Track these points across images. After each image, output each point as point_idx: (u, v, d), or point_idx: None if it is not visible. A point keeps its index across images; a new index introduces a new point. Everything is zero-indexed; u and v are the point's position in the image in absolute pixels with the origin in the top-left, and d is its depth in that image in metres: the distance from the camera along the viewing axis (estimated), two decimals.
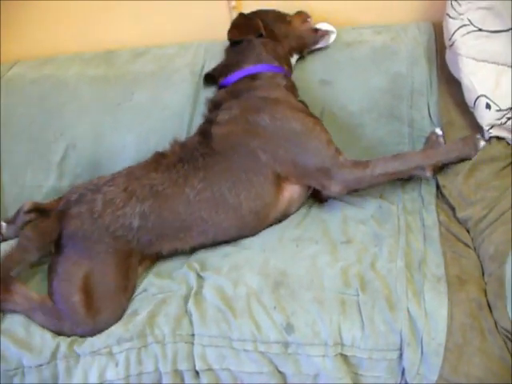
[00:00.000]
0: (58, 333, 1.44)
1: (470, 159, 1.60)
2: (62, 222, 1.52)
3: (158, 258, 1.61)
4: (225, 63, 1.82)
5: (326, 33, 1.83)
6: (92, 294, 1.47)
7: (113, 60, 1.99)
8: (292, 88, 1.75)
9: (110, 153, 1.84)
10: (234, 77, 1.75)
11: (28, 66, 2.01)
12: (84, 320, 1.44)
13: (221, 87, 1.78)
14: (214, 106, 1.72)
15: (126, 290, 1.51)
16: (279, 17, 1.84)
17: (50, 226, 1.52)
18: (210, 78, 1.85)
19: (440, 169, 1.65)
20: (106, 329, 1.44)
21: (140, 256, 1.56)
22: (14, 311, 1.46)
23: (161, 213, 1.55)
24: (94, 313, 1.45)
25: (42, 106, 1.89)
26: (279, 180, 1.62)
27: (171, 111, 1.86)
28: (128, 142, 1.84)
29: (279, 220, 1.67)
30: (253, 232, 1.63)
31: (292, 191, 1.65)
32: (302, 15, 1.87)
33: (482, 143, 1.62)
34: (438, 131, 1.73)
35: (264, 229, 1.65)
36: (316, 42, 1.84)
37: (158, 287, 1.52)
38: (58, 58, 2.02)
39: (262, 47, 1.76)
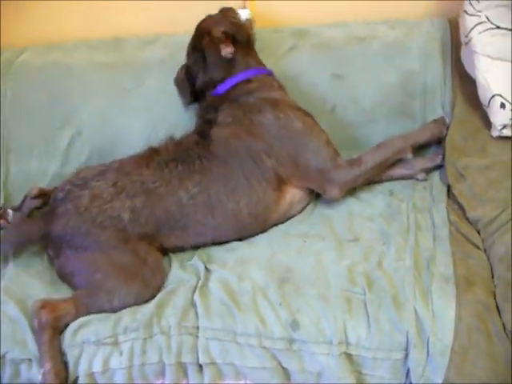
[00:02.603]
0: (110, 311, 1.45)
1: (442, 136, 1.70)
2: (49, 223, 1.53)
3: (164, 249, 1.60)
4: (207, 76, 1.74)
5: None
6: (110, 270, 1.48)
7: (121, 47, 1.97)
8: (282, 87, 1.74)
9: (116, 140, 1.82)
10: (225, 85, 1.71)
11: (35, 52, 1.99)
12: (116, 290, 1.45)
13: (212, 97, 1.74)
14: (212, 107, 1.69)
15: (145, 263, 1.50)
16: (231, 18, 1.79)
17: (31, 228, 1.56)
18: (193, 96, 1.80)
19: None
20: (144, 300, 1.45)
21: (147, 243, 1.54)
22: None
23: (153, 210, 1.54)
24: (123, 283, 1.46)
25: (48, 93, 1.88)
26: (281, 183, 1.61)
27: (179, 101, 1.84)
28: (135, 129, 1.82)
29: (281, 222, 1.66)
30: (253, 234, 1.62)
31: (293, 195, 1.64)
32: (231, 10, 1.82)
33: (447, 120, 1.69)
34: None
35: (265, 231, 1.63)
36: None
37: (170, 276, 1.52)
38: (66, 44, 2.00)
39: (244, 53, 1.73)
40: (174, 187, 1.55)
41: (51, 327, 1.40)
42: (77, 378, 1.39)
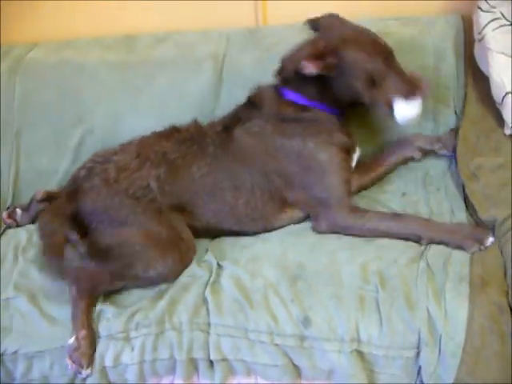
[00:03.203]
0: (136, 284, 1.47)
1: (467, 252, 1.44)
2: (77, 201, 1.53)
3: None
4: (305, 82, 1.59)
5: None
6: (147, 239, 1.48)
7: (133, 45, 1.96)
8: (341, 128, 1.63)
9: (127, 139, 1.81)
10: (296, 97, 1.61)
11: (47, 49, 1.99)
12: (152, 260, 1.46)
13: (281, 92, 1.64)
14: (254, 104, 1.65)
15: (178, 235, 1.51)
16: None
17: (62, 206, 1.54)
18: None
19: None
20: (177, 272, 1.47)
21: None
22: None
23: (174, 180, 1.56)
24: (159, 253, 1.47)
25: (60, 91, 1.88)
26: (283, 203, 1.61)
27: (191, 100, 1.84)
28: (146, 128, 1.80)
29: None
30: (255, 231, 1.62)
31: (292, 214, 1.63)
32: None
33: (491, 240, 1.44)
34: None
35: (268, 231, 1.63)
36: None
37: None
38: (78, 42, 2.00)
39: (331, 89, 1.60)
40: (189, 161, 1.58)
41: (88, 295, 1.43)
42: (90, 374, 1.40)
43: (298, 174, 1.58)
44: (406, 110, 1.53)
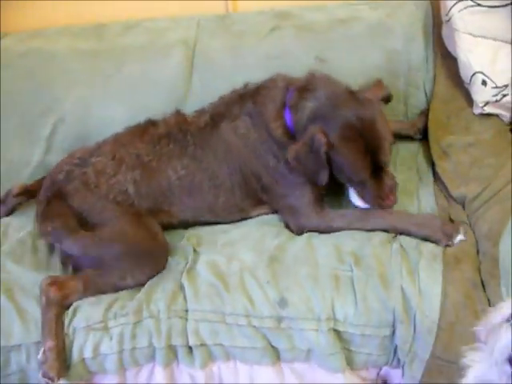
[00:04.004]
0: (113, 292, 1.45)
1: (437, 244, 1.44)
2: (66, 201, 1.52)
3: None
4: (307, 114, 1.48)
5: None
6: (125, 246, 1.47)
7: (103, 33, 1.94)
8: None
9: (99, 127, 1.79)
10: (290, 124, 1.51)
11: (16, 39, 1.95)
12: (130, 268, 1.45)
13: (284, 106, 1.53)
14: (252, 98, 1.56)
15: (156, 241, 1.50)
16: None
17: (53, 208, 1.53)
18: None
19: None
20: (154, 276, 1.46)
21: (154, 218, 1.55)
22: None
23: (149, 183, 1.55)
24: (137, 260, 1.46)
25: (30, 80, 1.85)
26: (260, 201, 1.61)
27: (162, 86, 1.82)
28: (118, 116, 1.80)
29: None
30: (229, 222, 1.63)
31: (270, 209, 1.63)
32: None
33: (459, 238, 1.43)
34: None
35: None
36: None
37: None
38: (47, 31, 1.97)
39: None
40: (163, 163, 1.56)
41: (58, 305, 1.40)
42: (68, 365, 1.38)
43: (272, 183, 1.57)
44: (361, 204, 1.51)
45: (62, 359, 1.37)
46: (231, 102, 1.60)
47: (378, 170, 1.45)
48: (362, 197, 1.49)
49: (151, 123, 1.62)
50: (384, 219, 1.49)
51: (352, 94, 1.46)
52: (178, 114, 1.63)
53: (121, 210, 1.51)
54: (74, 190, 1.53)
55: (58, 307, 1.40)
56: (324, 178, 1.46)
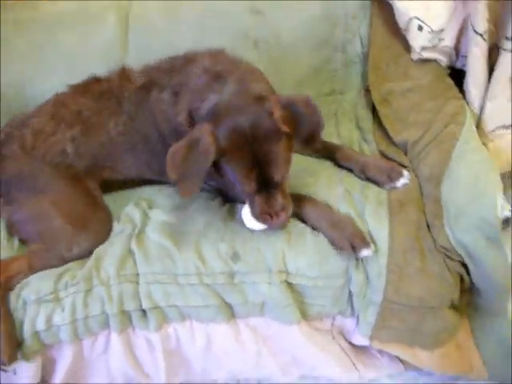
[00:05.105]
0: (61, 264, 1.42)
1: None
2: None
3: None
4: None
5: None
6: (67, 215, 1.44)
7: (34, 3, 1.85)
8: None
9: (36, 99, 1.71)
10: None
11: None
12: (74, 237, 1.42)
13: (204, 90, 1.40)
14: (179, 71, 1.49)
15: (97, 205, 1.48)
16: None
17: None
18: None
19: None
20: (100, 243, 1.44)
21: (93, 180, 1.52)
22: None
23: (89, 139, 1.51)
24: (81, 228, 1.43)
25: None
26: None
27: (99, 52, 1.77)
28: (57, 87, 1.71)
29: None
30: None
31: None
32: None
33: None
34: None
35: None
36: None
37: None
38: None
39: None
40: (105, 118, 1.52)
41: (2, 288, 1.37)
42: (23, 340, 1.36)
43: None
44: (248, 222, 1.40)
45: (13, 343, 1.34)
46: (163, 70, 1.52)
47: (270, 185, 1.32)
48: (251, 208, 1.36)
49: (95, 80, 1.58)
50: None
51: (259, 100, 1.29)
52: (123, 70, 1.58)
53: (58, 174, 1.47)
54: (10, 155, 1.48)
55: (1, 291, 1.36)
56: (199, 184, 1.32)
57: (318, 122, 1.31)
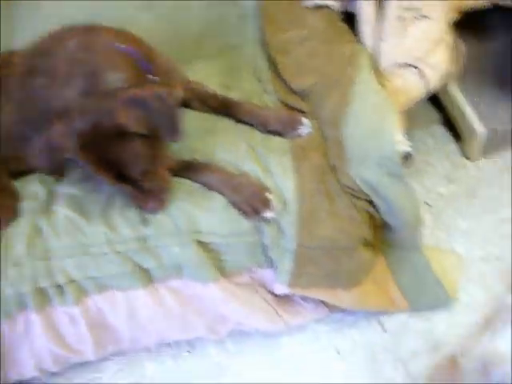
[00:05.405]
0: None
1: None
2: None
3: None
4: None
5: None
6: None
7: None
8: None
9: None
10: None
11: None
12: None
13: None
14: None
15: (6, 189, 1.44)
16: None
17: None
18: None
19: None
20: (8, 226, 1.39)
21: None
22: None
23: None
24: None
25: None
26: None
27: None
28: None
29: None
30: None
31: None
32: None
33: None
34: None
35: None
36: None
37: None
38: None
39: None
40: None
41: None
42: None
43: None
44: None
45: None
46: (39, 53, 1.39)
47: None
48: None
49: (9, 54, 1.49)
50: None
51: (104, 100, 1.22)
52: (10, 53, 1.49)
53: None
54: None
55: None
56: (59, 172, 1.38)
57: (172, 115, 1.25)
